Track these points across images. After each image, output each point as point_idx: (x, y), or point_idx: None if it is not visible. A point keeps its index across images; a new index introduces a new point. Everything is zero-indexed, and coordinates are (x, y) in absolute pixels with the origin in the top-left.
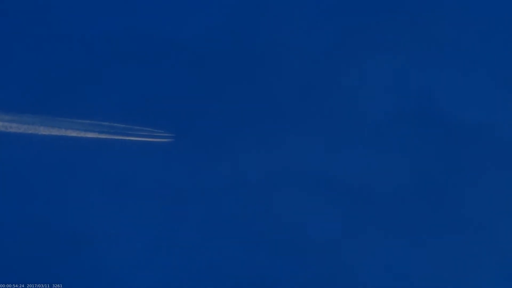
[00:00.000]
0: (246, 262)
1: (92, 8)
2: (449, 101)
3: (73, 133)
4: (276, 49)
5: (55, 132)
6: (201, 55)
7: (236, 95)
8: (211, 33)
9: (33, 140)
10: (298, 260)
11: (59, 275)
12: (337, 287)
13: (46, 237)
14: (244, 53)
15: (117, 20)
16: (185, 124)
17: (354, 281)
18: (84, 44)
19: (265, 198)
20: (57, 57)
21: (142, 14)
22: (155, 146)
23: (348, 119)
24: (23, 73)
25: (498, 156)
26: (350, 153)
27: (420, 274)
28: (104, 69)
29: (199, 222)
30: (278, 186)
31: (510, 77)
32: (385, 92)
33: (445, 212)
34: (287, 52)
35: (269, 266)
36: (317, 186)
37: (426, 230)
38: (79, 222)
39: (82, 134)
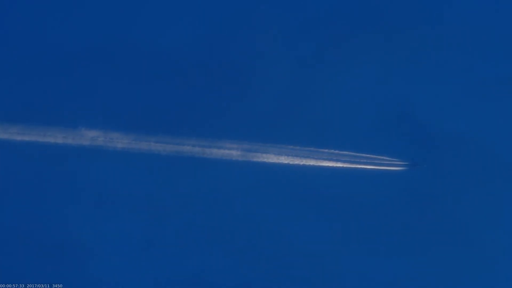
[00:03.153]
0: (232, 272)
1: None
2: (428, 110)
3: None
4: (259, 59)
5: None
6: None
7: (217, 105)
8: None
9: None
10: (283, 270)
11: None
12: None
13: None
14: (225, 63)
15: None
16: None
17: None
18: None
19: (251, 209)
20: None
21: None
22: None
23: (329, 128)
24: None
25: (476, 163)
26: (330, 165)
27: (404, 283)
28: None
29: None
30: (263, 197)
31: (487, 87)
32: (366, 102)
33: (427, 220)
34: (269, 62)
35: (255, 276)
36: (300, 196)
37: (410, 239)
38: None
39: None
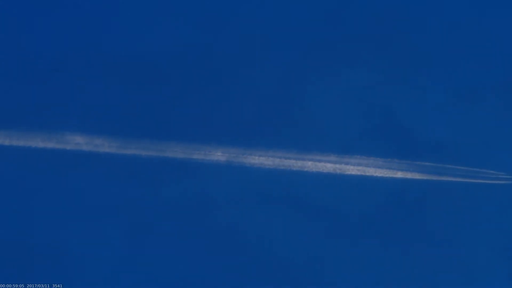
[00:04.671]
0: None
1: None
2: (411, 118)
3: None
4: (245, 63)
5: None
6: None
7: (202, 112)
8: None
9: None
10: (266, 277)
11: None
12: None
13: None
14: (210, 67)
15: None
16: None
17: None
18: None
19: (233, 216)
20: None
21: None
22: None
23: (312, 135)
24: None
25: (459, 170)
26: (316, 170)
27: None
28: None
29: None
30: (246, 204)
31: (471, 96)
32: (349, 110)
33: (410, 228)
34: (255, 66)
35: (243, 280)
36: (284, 204)
37: (393, 246)
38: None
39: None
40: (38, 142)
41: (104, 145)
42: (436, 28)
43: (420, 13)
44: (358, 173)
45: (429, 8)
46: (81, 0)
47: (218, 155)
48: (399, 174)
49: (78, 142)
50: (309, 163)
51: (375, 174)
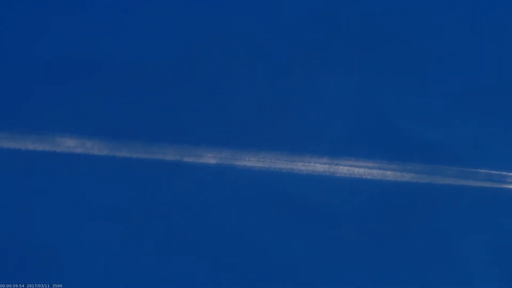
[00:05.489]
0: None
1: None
2: (406, 120)
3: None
4: (232, 67)
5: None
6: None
7: (193, 114)
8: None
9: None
10: (259, 279)
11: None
12: None
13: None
14: (199, 71)
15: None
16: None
17: None
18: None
19: (225, 218)
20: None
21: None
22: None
23: (303, 137)
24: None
25: (453, 174)
26: (307, 172)
27: None
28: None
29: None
30: (238, 205)
31: (467, 96)
32: (342, 111)
33: (403, 229)
34: (243, 69)
35: (236, 284)
36: (275, 206)
37: (385, 250)
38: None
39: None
40: (28, 144)
41: (94, 148)
42: (427, 30)
43: (410, 15)
44: (349, 174)
45: (421, 11)
46: (72, 2)
47: (209, 157)
48: (390, 175)
49: (68, 144)
50: (300, 164)
51: (365, 176)
